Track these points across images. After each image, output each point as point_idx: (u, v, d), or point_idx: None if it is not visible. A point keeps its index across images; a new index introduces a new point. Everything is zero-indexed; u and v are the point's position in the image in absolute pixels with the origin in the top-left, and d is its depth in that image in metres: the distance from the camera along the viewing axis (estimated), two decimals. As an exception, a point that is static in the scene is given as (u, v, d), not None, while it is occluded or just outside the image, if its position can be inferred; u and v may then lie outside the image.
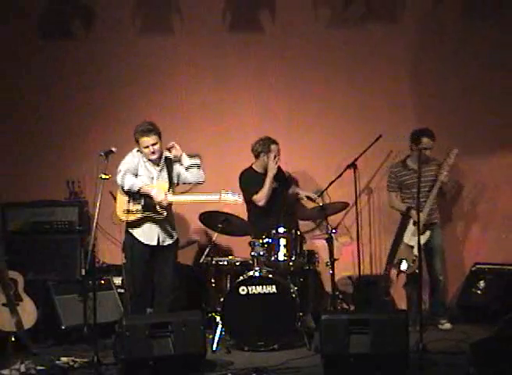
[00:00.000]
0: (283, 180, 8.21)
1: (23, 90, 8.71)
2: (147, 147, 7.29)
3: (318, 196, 8.10)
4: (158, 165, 7.40)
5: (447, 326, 7.92)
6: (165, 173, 7.40)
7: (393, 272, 7.97)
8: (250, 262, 7.57)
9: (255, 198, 7.91)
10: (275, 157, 7.91)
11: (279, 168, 8.05)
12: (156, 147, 7.30)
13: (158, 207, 7.27)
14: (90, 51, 8.68)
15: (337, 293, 7.65)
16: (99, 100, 8.68)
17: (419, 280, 7.13)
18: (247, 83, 8.68)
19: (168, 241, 7.43)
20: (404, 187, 7.93)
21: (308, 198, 8.23)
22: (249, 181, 8.01)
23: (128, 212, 7.28)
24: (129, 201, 7.30)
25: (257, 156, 8.04)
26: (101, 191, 6.66)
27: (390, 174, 8.03)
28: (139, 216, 7.29)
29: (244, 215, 7.92)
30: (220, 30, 8.64)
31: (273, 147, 7.98)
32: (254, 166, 8.09)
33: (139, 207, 7.29)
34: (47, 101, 8.70)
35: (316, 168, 8.52)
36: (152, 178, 7.38)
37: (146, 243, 7.36)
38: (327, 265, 7.59)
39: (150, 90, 8.69)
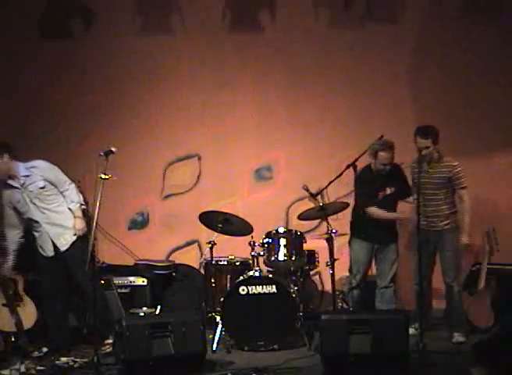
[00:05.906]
0: (401, 187, 7.67)
1: (22, 90, 8.70)
2: None
3: (316, 195, 7.67)
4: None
5: (460, 339, 7.36)
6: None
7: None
8: (250, 262, 7.58)
9: (367, 209, 7.53)
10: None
11: (399, 173, 7.65)
12: None
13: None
14: (90, 51, 8.68)
15: (337, 293, 7.63)
16: (99, 100, 8.68)
17: (420, 283, 7.10)
18: (247, 83, 8.68)
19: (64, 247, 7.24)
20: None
21: None
22: (363, 182, 7.56)
23: None
24: None
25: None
26: (101, 191, 6.65)
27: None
28: None
29: (244, 215, 7.88)
30: (220, 30, 8.65)
31: (381, 155, 7.42)
32: (371, 164, 7.61)
33: None
34: (46, 101, 8.69)
35: (317, 168, 8.50)
36: None
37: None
38: (327, 265, 7.58)
39: (150, 90, 8.69)
